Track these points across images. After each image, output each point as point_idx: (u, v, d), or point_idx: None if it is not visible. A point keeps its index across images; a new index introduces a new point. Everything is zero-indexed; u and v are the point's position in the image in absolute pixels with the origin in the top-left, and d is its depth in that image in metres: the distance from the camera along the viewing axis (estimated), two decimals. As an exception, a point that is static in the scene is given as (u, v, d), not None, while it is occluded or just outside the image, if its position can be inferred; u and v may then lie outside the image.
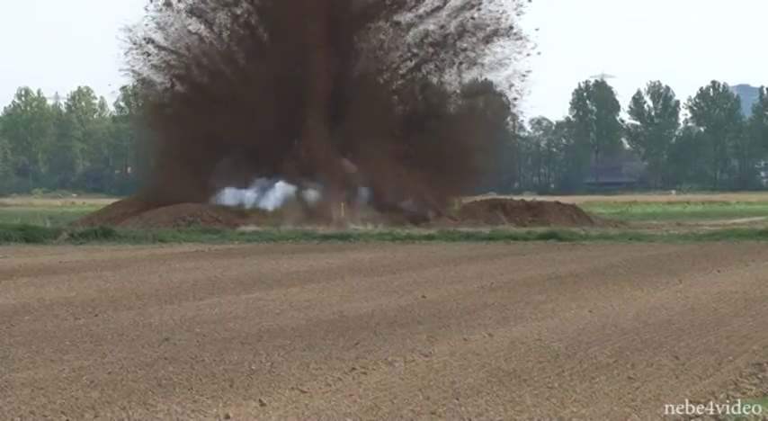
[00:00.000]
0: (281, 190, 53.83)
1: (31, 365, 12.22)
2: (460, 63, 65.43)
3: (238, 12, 64.52)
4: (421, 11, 64.87)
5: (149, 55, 63.75)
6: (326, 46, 59.67)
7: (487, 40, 64.29)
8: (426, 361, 12.26)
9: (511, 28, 64.26)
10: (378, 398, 10.24)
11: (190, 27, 65.33)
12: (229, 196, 53.63)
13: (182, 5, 64.89)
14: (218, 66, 65.13)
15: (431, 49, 64.79)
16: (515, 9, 64.78)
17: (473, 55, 64.79)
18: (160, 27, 65.09)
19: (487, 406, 9.93)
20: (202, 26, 65.47)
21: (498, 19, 64.42)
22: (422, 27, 64.89)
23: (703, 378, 11.21)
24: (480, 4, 65.07)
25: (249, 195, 53.94)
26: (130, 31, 64.46)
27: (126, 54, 63.12)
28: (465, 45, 64.93)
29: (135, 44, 64.26)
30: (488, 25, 64.62)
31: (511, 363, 12.05)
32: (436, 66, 65.78)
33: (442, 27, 65.08)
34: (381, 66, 64.77)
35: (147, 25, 65.04)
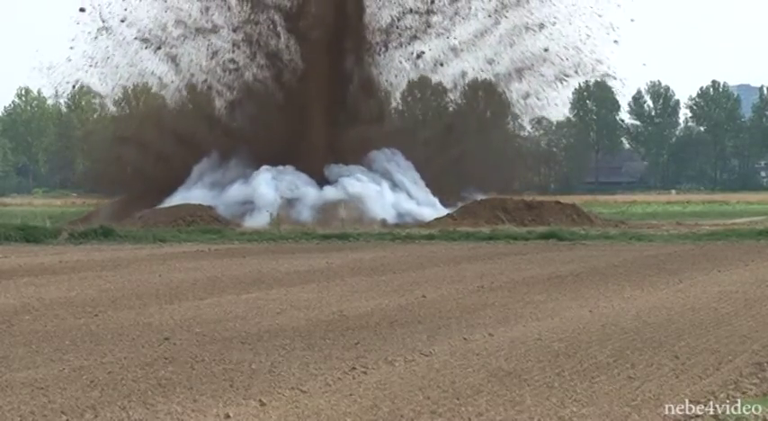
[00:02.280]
0: (263, 202, 48.65)
1: (31, 365, 12.22)
2: (517, 117, 47.94)
3: (218, 43, 46.19)
4: (452, 38, 45.11)
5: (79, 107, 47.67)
6: (326, 96, 45.46)
7: (561, 79, 45.87)
8: (426, 360, 12.26)
9: (599, 62, 46.34)
10: (378, 398, 10.24)
11: (143, 64, 46.67)
12: (205, 197, 49.58)
13: (130, 32, 45.98)
14: (188, 127, 47.31)
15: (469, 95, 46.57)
16: (608, 34, 45.11)
17: (539, 103, 46.81)
18: (94, 64, 46.44)
19: (487, 405, 9.93)
20: (164, 64, 46.69)
21: (578, 50, 45.60)
22: (457, 64, 46.50)
23: (703, 378, 11.21)
24: (554, 24, 44.65)
25: (227, 205, 49.15)
26: (49, 69, 47.53)
27: (48, 102, 47.23)
28: (525, 88, 46.63)
29: (56, 90, 47.60)
30: (564, 59, 45.67)
31: (511, 363, 12.05)
32: (478, 121, 49.17)
33: (490, 62, 46.72)
34: (389, 128, 48.70)
35: (70, 60, 46.32)
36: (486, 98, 61.09)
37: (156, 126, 50.98)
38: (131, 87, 53.11)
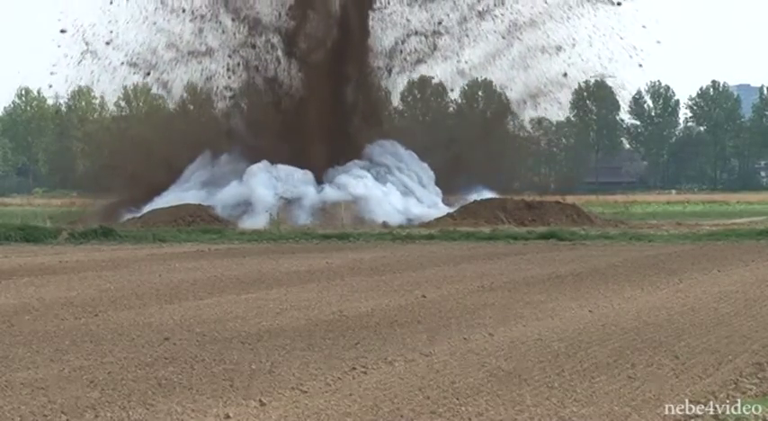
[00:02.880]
0: (261, 202, 47.84)
1: (31, 365, 12.22)
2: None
3: (213, 68, 43.04)
4: (462, 62, 42.58)
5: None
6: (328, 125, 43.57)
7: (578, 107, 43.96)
8: (426, 361, 12.25)
9: (621, 88, 44.78)
10: (378, 398, 10.24)
11: (134, 89, 42.90)
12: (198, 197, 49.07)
13: (116, 55, 43.06)
14: (182, 143, 45.55)
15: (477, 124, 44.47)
16: (632, 58, 41.83)
17: (550, 124, 44.37)
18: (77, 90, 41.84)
19: (487, 405, 9.93)
20: (154, 90, 44.50)
21: (601, 75, 43.66)
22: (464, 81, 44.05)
23: (703, 378, 11.21)
24: (573, 46, 42.29)
25: (224, 206, 48.39)
26: (27, 94, 45.04)
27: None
28: (541, 115, 45.28)
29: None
30: (583, 85, 43.67)
31: (511, 363, 12.04)
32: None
33: (502, 88, 45.80)
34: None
35: (51, 87, 43.98)
36: (486, 98, 61.07)
37: (147, 151, 50.43)
38: (131, 87, 52.53)
